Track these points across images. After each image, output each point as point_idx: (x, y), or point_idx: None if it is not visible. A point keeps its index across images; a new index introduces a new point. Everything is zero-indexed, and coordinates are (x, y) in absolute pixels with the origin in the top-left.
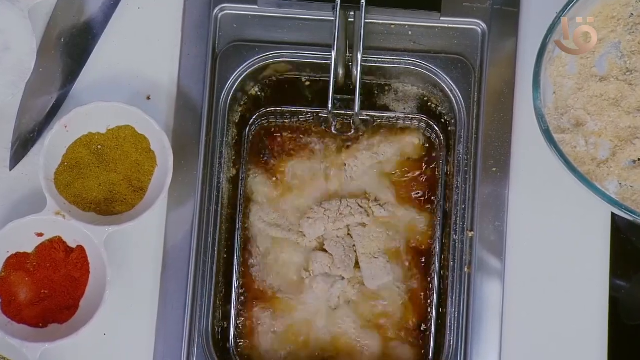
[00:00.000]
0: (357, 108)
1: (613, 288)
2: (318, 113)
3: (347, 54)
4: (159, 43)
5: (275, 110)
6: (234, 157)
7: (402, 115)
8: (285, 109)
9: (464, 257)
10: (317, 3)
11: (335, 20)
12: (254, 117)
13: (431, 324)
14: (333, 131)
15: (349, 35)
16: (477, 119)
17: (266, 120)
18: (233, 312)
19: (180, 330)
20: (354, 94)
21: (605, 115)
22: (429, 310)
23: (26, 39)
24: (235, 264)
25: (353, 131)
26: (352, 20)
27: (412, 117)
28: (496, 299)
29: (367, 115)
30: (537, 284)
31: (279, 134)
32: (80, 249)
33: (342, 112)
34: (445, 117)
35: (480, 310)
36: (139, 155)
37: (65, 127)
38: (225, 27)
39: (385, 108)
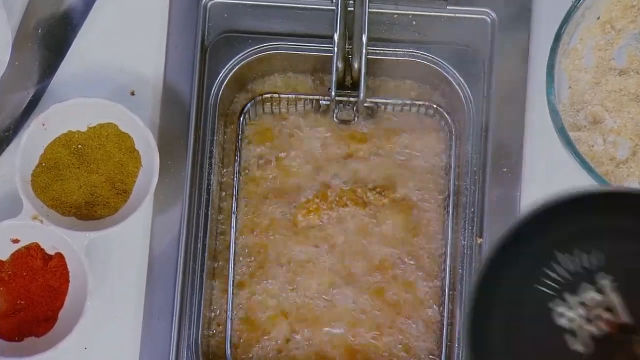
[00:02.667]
0: (361, 94)
1: None
2: (319, 100)
3: (347, 46)
4: (144, 34)
5: (272, 97)
6: (226, 156)
7: (409, 102)
8: (283, 95)
9: (473, 265)
10: None
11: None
12: (248, 105)
13: (439, 336)
14: (335, 120)
15: (348, 25)
16: (487, 116)
17: (261, 109)
18: (225, 323)
19: (167, 343)
20: (354, 87)
21: (625, 112)
22: (437, 321)
23: (0, 30)
24: (230, 270)
25: (356, 120)
26: (352, 9)
27: (419, 104)
28: None
29: (372, 102)
30: None
31: (277, 123)
32: (59, 256)
33: (346, 98)
34: (452, 114)
35: None
36: (123, 155)
37: (43, 124)
38: (215, 17)
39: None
